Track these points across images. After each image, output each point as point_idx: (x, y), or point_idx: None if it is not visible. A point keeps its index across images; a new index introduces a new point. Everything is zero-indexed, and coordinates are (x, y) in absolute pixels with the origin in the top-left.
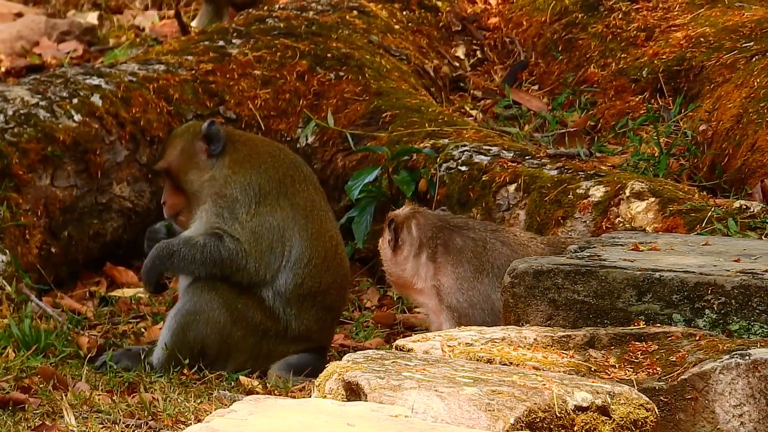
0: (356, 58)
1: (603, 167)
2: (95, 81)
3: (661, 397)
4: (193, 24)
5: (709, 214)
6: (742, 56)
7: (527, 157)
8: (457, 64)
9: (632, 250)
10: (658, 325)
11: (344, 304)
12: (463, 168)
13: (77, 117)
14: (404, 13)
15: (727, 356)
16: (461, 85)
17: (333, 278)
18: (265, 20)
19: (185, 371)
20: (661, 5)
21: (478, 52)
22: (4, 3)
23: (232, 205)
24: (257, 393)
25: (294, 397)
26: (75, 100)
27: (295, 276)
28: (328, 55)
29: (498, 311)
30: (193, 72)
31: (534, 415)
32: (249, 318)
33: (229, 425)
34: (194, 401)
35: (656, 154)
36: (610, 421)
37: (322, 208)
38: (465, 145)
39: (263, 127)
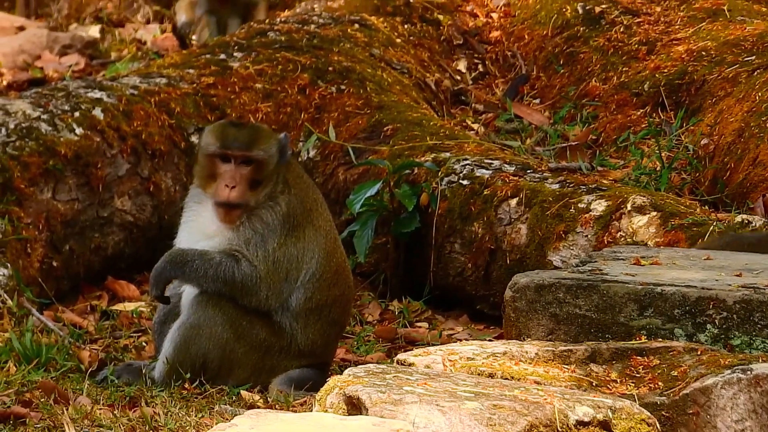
0: (358, 72)
1: (604, 181)
2: (97, 94)
3: (663, 412)
4: (194, 38)
5: (711, 228)
6: (743, 70)
7: (529, 171)
8: (459, 78)
9: (634, 264)
10: (660, 339)
11: (348, 319)
12: (465, 182)
13: (79, 130)
14: (406, 26)
15: (729, 371)
16: (463, 98)
17: (340, 291)
18: (266, 33)
19: (186, 386)
20: (662, 19)
21: (479, 66)
22: (6, 16)
23: (266, 234)
24: (258, 407)
25: (295, 412)
26: (77, 114)
27: (306, 291)
28: (330, 68)
29: None
30: (195, 85)
31: (535, 430)
32: (253, 335)
33: None
34: (195, 416)
35: (658, 168)
36: None
37: (333, 227)
38: (466, 159)
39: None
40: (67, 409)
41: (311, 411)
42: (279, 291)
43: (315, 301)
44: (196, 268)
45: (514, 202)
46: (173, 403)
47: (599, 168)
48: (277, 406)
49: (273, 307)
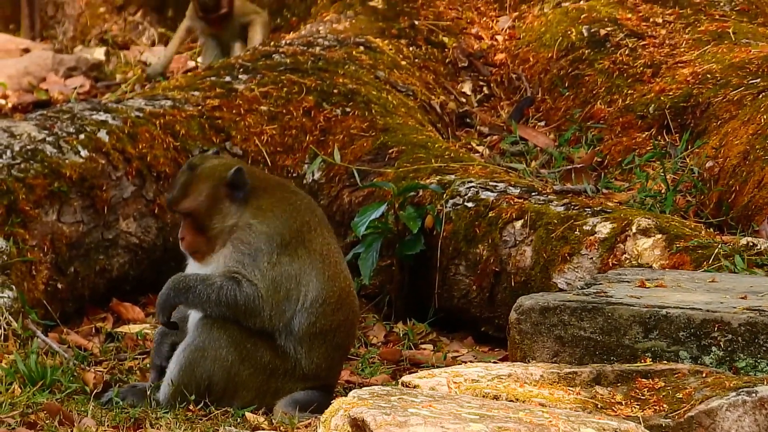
0: (363, 94)
1: (609, 204)
2: (102, 116)
3: None
4: (199, 60)
5: (716, 251)
6: (748, 93)
7: (534, 194)
8: (464, 100)
9: (639, 286)
10: (665, 362)
11: (353, 342)
12: (470, 204)
13: (84, 152)
14: (411, 48)
15: (734, 393)
16: (468, 121)
17: (344, 316)
18: (271, 56)
19: (191, 407)
20: (667, 42)
21: (484, 88)
22: (11, 39)
23: (254, 254)
24: (263, 429)
25: None
26: (82, 136)
27: (309, 316)
28: (335, 90)
29: None
30: (200, 107)
31: None
32: (258, 357)
33: None
34: None
35: (663, 191)
36: None
37: (335, 250)
38: (471, 181)
39: (269, 163)
40: (72, 431)
41: None
42: (281, 310)
43: (319, 326)
44: (198, 293)
45: (519, 224)
46: (178, 424)
47: (604, 190)
48: (281, 428)
49: (276, 326)
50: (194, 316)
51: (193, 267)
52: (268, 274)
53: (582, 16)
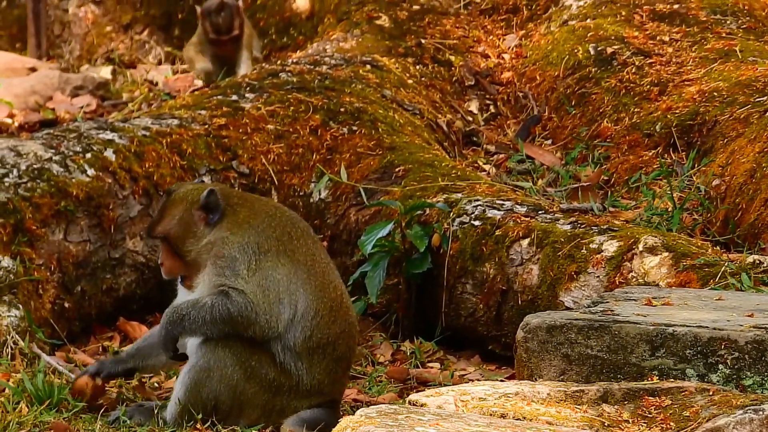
0: (369, 113)
1: (616, 222)
2: (108, 135)
3: None
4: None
5: (723, 269)
6: (755, 111)
7: (540, 212)
8: (471, 119)
9: (645, 305)
10: (672, 380)
11: (354, 354)
12: (477, 222)
13: (90, 172)
14: (417, 67)
15: (741, 411)
16: (474, 139)
17: (341, 328)
18: (278, 74)
19: (198, 426)
20: (674, 60)
21: (491, 107)
22: (18, 58)
23: (232, 264)
24: None
25: None
26: (88, 155)
27: (304, 329)
28: (341, 109)
29: None
30: (207, 126)
31: None
32: (262, 375)
33: None
34: None
35: (669, 209)
36: None
37: (322, 261)
38: (478, 200)
39: (276, 182)
40: None
41: None
42: (277, 313)
43: (316, 339)
44: (193, 319)
45: (525, 242)
46: None
47: (611, 209)
48: None
49: (276, 330)
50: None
51: (182, 294)
52: (252, 279)
53: (589, 35)
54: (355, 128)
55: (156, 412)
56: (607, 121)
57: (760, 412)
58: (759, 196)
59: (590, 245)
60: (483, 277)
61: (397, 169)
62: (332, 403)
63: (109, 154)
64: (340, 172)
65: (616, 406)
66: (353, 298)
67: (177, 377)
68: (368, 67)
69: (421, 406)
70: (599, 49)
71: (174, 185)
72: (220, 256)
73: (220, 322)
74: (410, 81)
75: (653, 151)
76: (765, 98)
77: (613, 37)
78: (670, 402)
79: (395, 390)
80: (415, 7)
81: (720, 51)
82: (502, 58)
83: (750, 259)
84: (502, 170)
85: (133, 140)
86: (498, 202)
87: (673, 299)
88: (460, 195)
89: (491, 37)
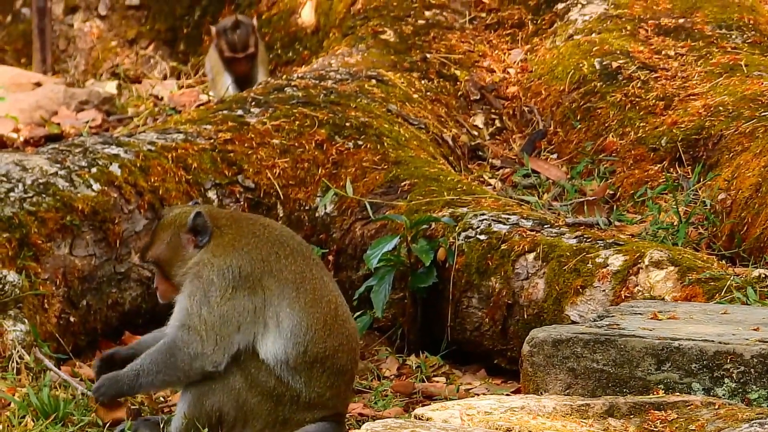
0: (375, 127)
1: (622, 236)
2: (114, 150)
3: None
4: (211, 94)
5: (728, 283)
6: (761, 125)
7: (546, 226)
8: (476, 133)
9: (651, 319)
10: (678, 394)
11: (356, 366)
12: (482, 237)
13: (96, 186)
14: (423, 82)
15: (747, 425)
16: (480, 153)
17: (339, 341)
18: (283, 89)
19: None
20: (679, 74)
21: (496, 121)
22: (23, 73)
23: (208, 288)
24: None
25: None
26: (94, 170)
27: (297, 345)
28: (347, 124)
29: None
30: (212, 141)
31: None
32: (263, 382)
33: None
34: None
35: (675, 223)
36: None
37: (314, 277)
38: (484, 214)
39: (281, 196)
40: None
41: None
42: (228, 344)
43: (312, 354)
44: (147, 371)
45: (531, 257)
46: None
47: (616, 223)
48: None
49: (220, 361)
50: None
51: None
52: (218, 309)
53: (594, 49)
54: (360, 143)
55: (162, 426)
56: (612, 136)
57: (766, 426)
58: (765, 210)
59: (596, 259)
60: (489, 291)
61: (402, 184)
62: (337, 416)
63: (115, 168)
64: (346, 187)
65: (621, 420)
66: (358, 313)
67: (181, 391)
68: (373, 81)
69: (427, 420)
70: (604, 63)
71: (165, 209)
72: (199, 276)
73: (170, 368)
74: (415, 95)
75: (659, 166)
76: None
77: (618, 52)
78: (676, 416)
79: (401, 404)
80: (421, 21)
81: (725, 65)
82: (508, 73)
83: (756, 273)
84: (508, 184)
85: (139, 155)
86: (503, 216)
87: (679, 313)
88: (465, 209)
89: (496, 51)
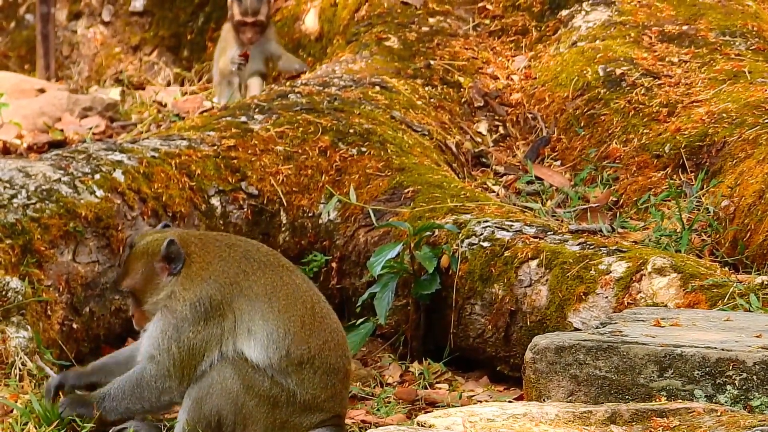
0: (378, 134)
1: (625, 243)
2: (117, 157)
3: None
4: (215, 100)
5: (731, 289)
6: (764, 132)
7: (549, 233)
8: (480, 140)
9: (654, 325)
10: (680, 400)
11: (348, 362)
12: (486, 244)
13: (99, 193)
14: (426, 88)
15: None
16: (483, 160)
17: (322, 339)
18: (287, 96)
19: None
20: (683, 81)
21: (500, 128)
22: (27, 79)
23: (179, 324)
24: None
25: None
26: (97, 176)
27: (278, 349)
28: (351, 130)
29: None
30: (216, 148)
31: None
32: (259, 384)
33: None
34: None
35: (678, 230)
36: None
37: (285, 283)
38: (487, 221)
39: (285, 203)
40: None
41: None
42: (194, 374)
43: (295, 356)
44: (113, 396)
45: (534, 263)
46: None
47: (620, 230)
48: None
49: (185, 390)
50: None
51: None
52: (188, 343)
53: (598, 56)
54: (364, 149)
55: (164, 431)
56: (616, 143)
57: None
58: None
59: (599, 266)
60: (492, 298)
61: (406, 191)
62: (337, 419)
63: (118, 175)
64: (349, 194)
65: (624, 427)
66: (361, 320)
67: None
68: (377, 88)
69: (430, 427)
70: (608, 70)
71: (138, 236)
72: (172, 310)
73: (136, 398)
74: (419, 102)
75: (662, 172)
76: None
77: (622, 59)
78: (678, 423)
79: (404, 411)
80: (424, 28)
81: (729, 72)
82: (511, 80)
83: (759, 280)
84: (511, 191)
85: (142, 161)
86: (507, 223)
87: (682, 320)
88: (469, 216)
89: (500, 58)
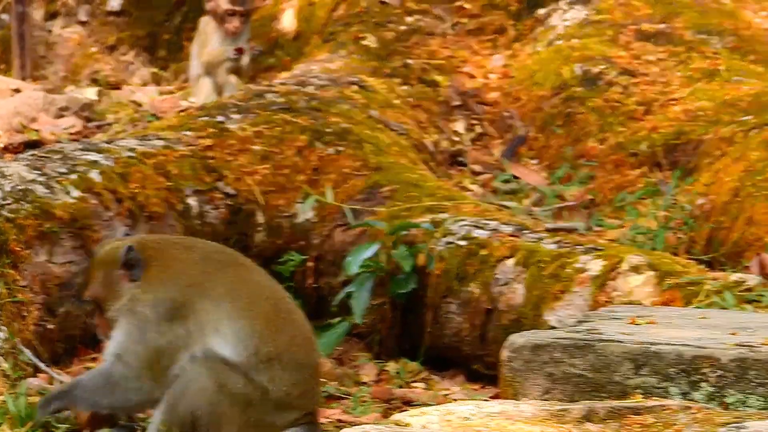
0: (356, 133)
1: (601, 241)
2: (93, 157)
3: None
4: (192, 99)
5: (707, 287)
6: (739, 130)
7: (526, 232)
8: (457, 139)
9: (630, 323)
10: (655, 398)
11: (318, 356)
12: (462, 242)
13: (75, 193)
14: (404, 87)
15: (724, 429)
16: (460, 159)
17: (289, 335)
18: (264, 95)
19: None
20: (659, 79)
21: (477, 127)
22: (2, 78)
23: (143, 325)
24: None
25: None
26: (73, 176)
27: (247, 347)
28: (328, 129)
29: None
30: (192, 147)
31: None
32: (233, 383)
33: None
34: None
35: (654, 228)
36: None
37: (248, 282)
38: (464, 220)
39: (262, 202)
40: None
41: None
42: (166, 378)
43: (263, 353)
44: (84, 386)
45: (510, 262)
46: None
47: (596, 228)
48: None
49: (160, 396)
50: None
51: None
52: (154, 344)
53: (574, 55)
54: (341, 148)
55: None
56: (592, 141)
57: (743, 430)
58: (742, 215)
59: (575, 264)
60: (468, 296)
61: (382, 190)
62: (310, 416)
63: (94, 175)
64: (326, 193)
65: (599, 425)
66: (338, 319)
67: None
68: (355, 87)
69: (406, 425)
70: (585, 69)
71: (98, 245)
72: (133, 312)
73: (101, 394)
74: (397, 101)
75: (638, 171)
76: (749, 117)
77: (598, 57)
78: (654, 420)
79: (380, 410)
80: (402, 27)
81: (705, 71)
82: (489, 78)
83: (733, 277)
84: (488, 190)
85: (118, 161)
86: (483, 222)
87: (658, 318)
88: (445, 215)
89: (477, 57)
